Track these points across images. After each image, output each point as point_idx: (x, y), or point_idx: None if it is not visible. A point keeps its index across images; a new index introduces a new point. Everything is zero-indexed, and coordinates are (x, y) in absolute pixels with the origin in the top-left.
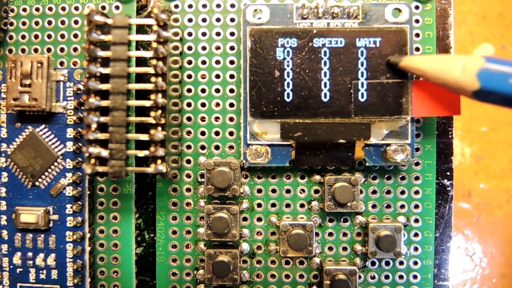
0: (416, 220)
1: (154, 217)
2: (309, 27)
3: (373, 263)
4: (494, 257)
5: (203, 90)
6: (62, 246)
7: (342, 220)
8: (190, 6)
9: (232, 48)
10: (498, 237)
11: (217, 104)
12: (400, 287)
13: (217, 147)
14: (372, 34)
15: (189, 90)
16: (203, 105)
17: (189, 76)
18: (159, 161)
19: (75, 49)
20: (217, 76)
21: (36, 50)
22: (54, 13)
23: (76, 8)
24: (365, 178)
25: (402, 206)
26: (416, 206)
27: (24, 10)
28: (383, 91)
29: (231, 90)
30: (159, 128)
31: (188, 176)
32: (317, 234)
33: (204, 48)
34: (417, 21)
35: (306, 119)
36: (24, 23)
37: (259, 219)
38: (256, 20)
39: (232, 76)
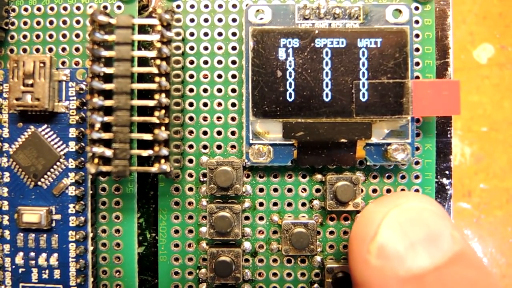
0: None
1: (156, 216)
2: (310, 28)
3: None
4: (494, 257)
5: (205, 90)
6: (65, 245)
7: (343, 218)
8: (192, 6)
9: (234, 48)
10: (498, 237)
11: (219, 104)
12: None
13: (219, 147)
14: (373, 35)
15: (191, 90)
16: (205, 104)
17: (191, 76)
18: (162, 161)
19: (77, 49)
20: (219, 76)
21: (37, 50)
22: (56, 13)
23: (78, 8)
24: (365, 177)
25: None
26: None
27: (26, 10)
28: (384, 91)
29: (233, 90)
30: (163, 128)
31: (190, 175)
32: (318, 232)
33: (206, 48)
34: (416, 21)
35: (308, 118)
36: (25, 23)
37: (261, 218)
38: (258, 20)
39: (234, 76)
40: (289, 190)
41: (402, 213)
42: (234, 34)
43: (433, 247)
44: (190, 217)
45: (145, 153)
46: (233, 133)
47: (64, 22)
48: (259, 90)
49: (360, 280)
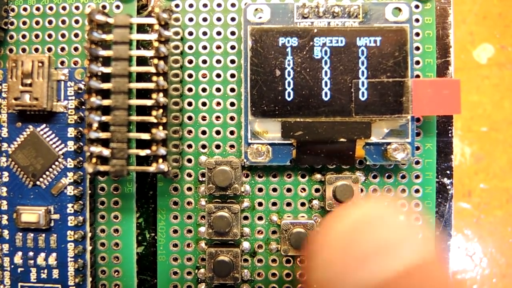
0: (417, 219)
1: (155, 216)
2: (309, 27)
3: None
4: (494, 257)
5: (203, 89)
6: (63, 245)
7: None
8: (190, 5)
9: (232, 47)
10: (498, 237)
11: (218, 103)
12: None
13: (218, 146)
14: (373, 33)
15: (189, 89)
16: (204, 104)
17: (190, 76)
18: (160, 160)
19: (75, 49)
20: (218, 75)
21: (36, 50)
22: (55, 13)
23: (77, 8)
24: (365, 176)
25: (403, 205)
26: (417, 205)
27: (25, 9)
28: (383, 90)
29: (232, 89)
30: (161, 127)
31: (189, 175)
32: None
33: (204, 47)
34: (417, 20)
35: (307, 118)
36: (24, 23)
37: (260, 218)
38: (257, 19)
39: (232, 76)
40: (288, 190)
41: (357, 224)
42: (233, 33)
43: (385, 260)
44: (189, 217)
45: (143, 152)
46: (232, 132)
47: (63, 22)
48: (258, 90)
49: None
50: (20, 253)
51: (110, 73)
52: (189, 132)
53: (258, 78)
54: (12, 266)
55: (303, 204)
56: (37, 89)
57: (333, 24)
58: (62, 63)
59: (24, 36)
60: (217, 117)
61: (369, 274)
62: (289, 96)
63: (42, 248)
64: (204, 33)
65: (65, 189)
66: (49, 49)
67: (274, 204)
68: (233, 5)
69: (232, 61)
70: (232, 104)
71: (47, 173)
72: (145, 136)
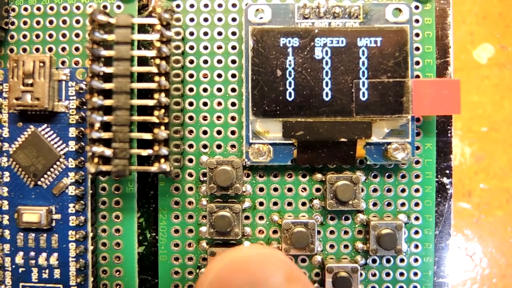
0: (417, 218)
1: (156, 216)
2: (310, 27)
3: (374, 261)
4: (494, 257)
5: (205, 90)
6: (65, 245)
7: (343, 218)
8: (191, 5)
9: (233, 47)
10: (498, 237)
11: (219, 103)
12: (400, 284)
13: (219, 146)
14: (373, 34)
15: (191, 90)
16: (205, 104)
17: (191, 76)
18: (162, 160)
19: (76, 49)
20: (219, 76)
21: (37, 50)
22: (56, 13)
23: (78, 8)
24: (366, 176)
25: (403, 204)
26: (417, 204)
27: (25, 9)
28: (384, 90)
29: (233, 90)
30: (162, 127)
31: (190, 175)
32: (318, 232)
33: (206, 47)
34: (417, 21)
35: (308, 118)
36: (25, 23)
37: (261, 218)
38: (258, 19)
39: (233, 76)
40: (289, 190)
41: (225, 265)
42: (234, 33)
43: None
44: (190, 217)
45: (144, 152)
46: (233, 132)
47: (64, 22)
48: (259, 90)
49: None
50: (21, 253)
51: (112, 73)
52: (190, 132)
53: (259, 78)
54: (14, 266)
55: (304, 204)
56: (38, 89)
57: (334, 25)
58: (63, 63)
59: (25, 36)
60: (218, 117)
61: None
62: (290, 96)
63: (43, 248)
64: (205, 33)
65: (67, 189)
66: (50, 49)
67: (275, 203)
68: (234, 5)
69: (233, 61)
70: (233, 104)
71: (48, 173)
72: (147, 136)
